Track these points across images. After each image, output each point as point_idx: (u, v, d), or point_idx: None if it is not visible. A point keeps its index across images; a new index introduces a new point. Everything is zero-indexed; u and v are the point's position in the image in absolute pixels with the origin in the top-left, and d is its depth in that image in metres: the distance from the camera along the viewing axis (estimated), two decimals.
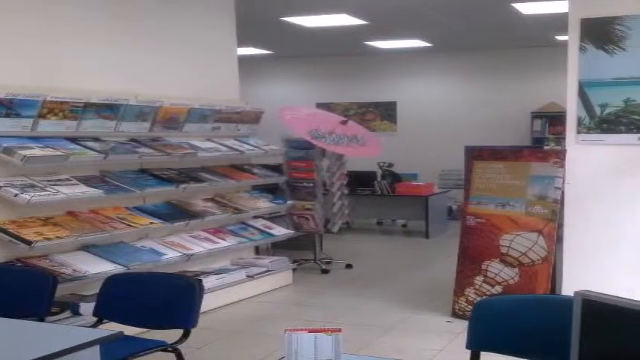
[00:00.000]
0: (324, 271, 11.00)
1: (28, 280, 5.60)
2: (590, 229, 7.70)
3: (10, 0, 7.45)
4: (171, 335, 4.95)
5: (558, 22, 9.84)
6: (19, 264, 7.03)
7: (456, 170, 15.48)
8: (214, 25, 10.13)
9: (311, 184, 11.00)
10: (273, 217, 10.63)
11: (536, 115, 17.05)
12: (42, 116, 7.42)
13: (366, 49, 17.09)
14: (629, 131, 7.37)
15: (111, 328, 4.24)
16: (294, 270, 10.49)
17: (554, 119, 16.20)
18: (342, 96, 18.94)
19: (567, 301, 2.94)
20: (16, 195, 6.95)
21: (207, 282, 8.53)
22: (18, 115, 7.24)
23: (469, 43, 16.51)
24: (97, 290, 5.35)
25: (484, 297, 7.66)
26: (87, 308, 6.70)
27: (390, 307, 8.85)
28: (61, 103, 7.54)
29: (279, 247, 11.32)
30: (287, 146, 11.10)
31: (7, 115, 7.15)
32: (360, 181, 13.90)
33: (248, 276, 9.50)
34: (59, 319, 6.88)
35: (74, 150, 7.60)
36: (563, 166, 7.70)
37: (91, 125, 7.94)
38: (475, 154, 8.48)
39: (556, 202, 7.71)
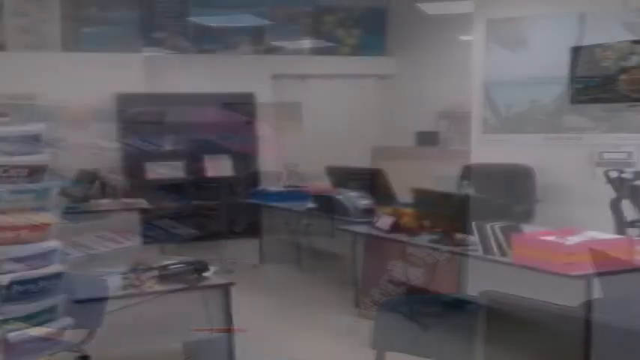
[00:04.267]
0: (229, 272, 10.95)
1: None
2: None
3: None
4: (76, 335, 4.89)
5: (463, 23, 9.95)
6: None
7: None
8: None
9: (216, 184, 10.95)
10: (178, 217, 10.57)
11: (441, 116, 17.13)
12: None
13: None
14: (534, 131, 7.48)
15: None
16: None
17: (459, 120, 16.31)
18: None
19: (473, 301, 2.97)
20: None
21: (112, 282, 8.44)
22: None
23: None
24: None
25: (389, 297, 7.72)
26: None
27: (295, 306, 8.86)
28: None
29: (184, 247, 11.26)
30: None
31: None
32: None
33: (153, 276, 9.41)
34: None
35: None
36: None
37: None
38: (381, 155, 8.52)
39: None
